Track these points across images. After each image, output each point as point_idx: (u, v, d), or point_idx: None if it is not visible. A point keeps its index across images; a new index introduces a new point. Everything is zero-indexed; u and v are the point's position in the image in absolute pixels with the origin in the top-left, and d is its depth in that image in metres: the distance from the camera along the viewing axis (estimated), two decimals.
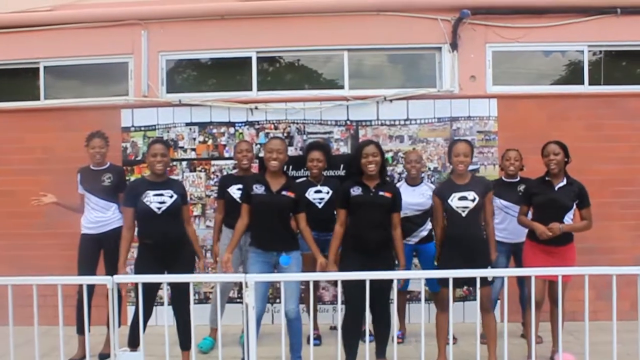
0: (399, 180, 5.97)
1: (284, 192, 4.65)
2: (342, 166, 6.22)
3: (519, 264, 5.27)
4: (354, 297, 4.36)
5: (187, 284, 4.07)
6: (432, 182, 5.95)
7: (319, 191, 5.49)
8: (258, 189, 4.64)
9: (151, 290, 4.43)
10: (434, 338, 4.81)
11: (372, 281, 3.95)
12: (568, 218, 4.81)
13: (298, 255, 4.75)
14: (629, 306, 5.01)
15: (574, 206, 4.84)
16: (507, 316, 3.87)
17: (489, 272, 4.38)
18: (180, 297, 4.41)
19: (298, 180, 5.75)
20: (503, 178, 5.56)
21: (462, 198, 4.62)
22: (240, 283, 3.83)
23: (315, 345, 4.06)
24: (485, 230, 4.78)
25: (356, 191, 4.69)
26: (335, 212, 4.89)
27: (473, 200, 4.59)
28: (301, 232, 4.77)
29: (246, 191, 4.69)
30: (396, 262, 5.14)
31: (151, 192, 4.53)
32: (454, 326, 4.40)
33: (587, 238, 5.11)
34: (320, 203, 5.44)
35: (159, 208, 4.50)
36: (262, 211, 4.61)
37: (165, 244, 4.52)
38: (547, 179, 4.89)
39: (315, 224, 5.12)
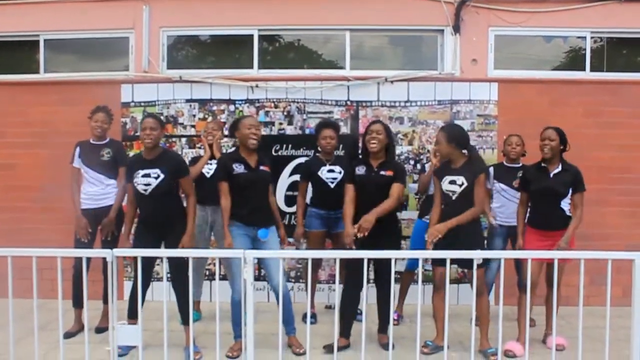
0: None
1: (261, 167, 4.77)
2: (341, 146, 6.20)
3: (514, 247, 5.31)
4: (354, 271, 4.45)
5: (182, 260, 4.13)
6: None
7: (331, 170, 5.49)
8: (238, 168, 4.69)
9: (148, 265, 4.48)
10: (430, 319, 4.87)
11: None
12: (565, 203, 4.83)
13: (274, 229, 4.85)
14: (621, 292, 5.09)
15: (570, 192, 4.85)
16: (502, 299, 3.90)
17: (486, 254, 4.40)
18: (176, 272, 4.47)
19: (307, 159, 5.80)
20: (504, 162, 5.57)
21: (451, 182, 4.66)
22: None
23: (310, 323, 4.09)
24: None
25: (360, 170, 4.79)
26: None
27: (461, 186, 4.62)
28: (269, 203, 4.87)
29: (226, 171, 4.70)
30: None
31: (140, 172, 4.58)
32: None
33: (583, 224, 5.13)
34: (332, 183, 5.45)
35: (145, 190, 4.57)
36: (245, 188, 4.68)
37: (156, 222, 4.61)
38: (542, 165, 4.90)
39: (325, 203, 5.20)
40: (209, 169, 5.43)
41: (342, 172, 5.43)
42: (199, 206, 5.39)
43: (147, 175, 4.56)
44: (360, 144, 5.18)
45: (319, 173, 5.45)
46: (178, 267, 4.41)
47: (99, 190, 5.26)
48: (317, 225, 5.50)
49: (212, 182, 5.14)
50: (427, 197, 5.56)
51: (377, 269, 4.80)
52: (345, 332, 4.75)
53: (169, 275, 4.60)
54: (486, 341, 4.66)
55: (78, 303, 5.17)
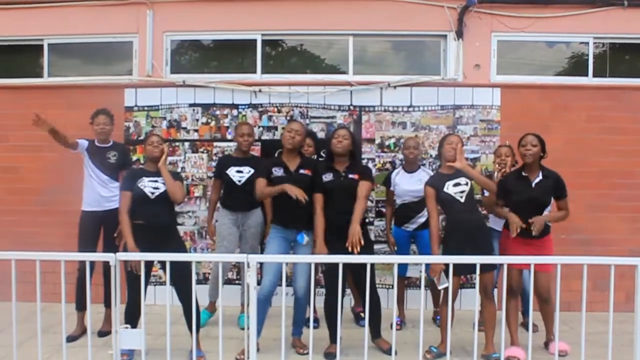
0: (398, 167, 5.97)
1: (301, 171, 4.80)
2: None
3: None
4: (331, 277, 4.54)
5: (183, 266, 4.15)
6: (432, 170, 5.95)
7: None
8: (277, 172, 4.79)
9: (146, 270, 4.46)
10: (432, 324, 4.87)
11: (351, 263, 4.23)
12: (546, 211, 4.82)
13: (312, 233, 4.85)
14: (624, 297, 5.09)
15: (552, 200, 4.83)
16: (505, 304, 3.90)
17: (490, 259, 4.38)
18: (179, 279, 4.42)
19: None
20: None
21: (456, 184, 4.69)
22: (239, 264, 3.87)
23: (314, 328, 4.12)
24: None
25: (327, 177, 4.86)
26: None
27: (467, 184, 4.68)
28: (315, 214, 4.78)
29: (267, 175, 4.82)
30: (394, 248, 5.22)
31: (146, 179, 4.68)
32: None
33: (584, 229, 5.14)
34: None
35: (152, 193, 4.63)
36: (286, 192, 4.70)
37: (156, 226, 4.62)
38: (523, 174, 4.82)
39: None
40: (240, 177, 5.42)
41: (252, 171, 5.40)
42: (229, 212, 5.43)
43: (155, 181, 4.68)
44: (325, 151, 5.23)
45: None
46: (180, 274, 4.33)
47: (106, 192, 5.30)
48: None
49: (242, 189, 5.26)
50: (401, 205, 5.62)
51: (354, 274, 4.80)
52: (333, 338, 4.75)
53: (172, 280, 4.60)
54: (491, 346, 4.66)
55: (80, 306, 5.19)
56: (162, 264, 4.69)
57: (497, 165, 5.29)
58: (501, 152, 5.41)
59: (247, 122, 6.14)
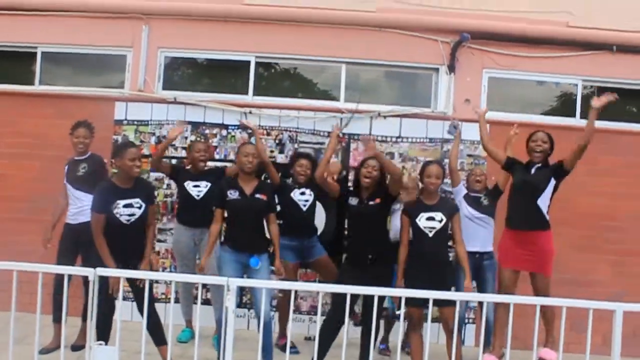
0: None
1: (257, 195, 4.85)
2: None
3: (480, 283, 5.35)
4: (337, 304, 4.56)
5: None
6: None
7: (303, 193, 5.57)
8: (232, 195, 4.82)
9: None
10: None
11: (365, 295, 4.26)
12: (542, 202, 4.87)
13: (266, 257, 4.91)
14: (601, 340, 5.08)
15: (551, 189, 4.89)
16: (482, 343, 3.89)
17: (441, 295, 4.21)
18: (139, 296, 4.32)
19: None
20: (468, 192, 5.52)
21: (429, 218, 4.72)
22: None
23: (293, 353, 4.10)
24: (456, 250, 4.89)
25: (352, 201, 4.95)
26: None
27: (440, 222, 4.70)
28: (270, 232, 4.95)
29: (221, 196, 4.84)
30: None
31: (121, 203, 4.45)
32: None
33: (568, 269, 5.17)
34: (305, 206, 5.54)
35: (128, 220, 4.47)
36: (238, 215, 4.81)
37: (129, 250, 4.50)
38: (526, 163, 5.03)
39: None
40: (199, 192, 5.45)
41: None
42: (187, 227, 5.42)
43: (130, 205, 4.47)
44: (352, 176, 5.23)
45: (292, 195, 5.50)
46: (140, 290, 4.29)
47: (77, 207, 5.27)
48: (291, 258, 5.48)
49: (200, 203, 5.20)
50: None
51: (364, 303, 4.82)
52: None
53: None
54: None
55: (58, 318, 5.10)
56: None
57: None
58: (476, 172, 5.59)
59: (202, 141, 6.14)
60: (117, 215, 4.43)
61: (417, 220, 4.73)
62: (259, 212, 4.84)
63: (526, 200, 4.85)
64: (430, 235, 4.68)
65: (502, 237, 5.08)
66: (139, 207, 4.50)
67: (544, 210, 4.89)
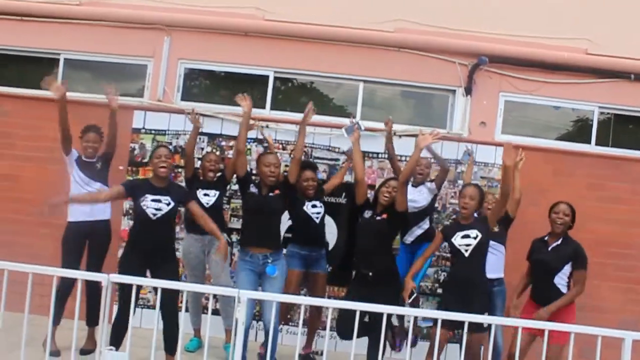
0: None
1: (270, 194, 5.00)
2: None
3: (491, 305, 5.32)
4: (344, 320, 4.64)
5: (175, 291, 4.15)
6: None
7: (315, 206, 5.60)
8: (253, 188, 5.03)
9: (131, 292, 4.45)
10: None
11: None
12: (559, 279, 4.83)
13: (283, 264, 4.99)
14: None
15: (568, 267, 4.83)
16: None
17: (478, 318, 4.22)
18: (168, 303, 4.40)
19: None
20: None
21: (464, 236, 4.70)
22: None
23: None
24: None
25: (367, 214, 5.10)
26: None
27: (475, 238, 4.66)
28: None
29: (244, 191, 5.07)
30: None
31: (150, 197, 4.59)
32: None
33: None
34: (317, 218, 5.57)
35: (154, 214, 4.57)
36: (256, 212, 4.97)
37: (154, 248, 4.60)
38: (545, 238, 4.95)
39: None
40: (208, 200, 5.53)
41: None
42: (196, 235, 5.46)
43: (158, 201, 4.60)
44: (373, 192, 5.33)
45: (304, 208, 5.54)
46: (170, 298, 4.37)
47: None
48: (297, 265, 5.51)
49: (209, 212, 5.24)
50: None
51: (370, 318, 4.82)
52: None
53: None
54: None
55: (57, 320, 5.08)
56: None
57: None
58: (488, 199, 5.47)
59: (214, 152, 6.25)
60: (144, 207, 4.55)
61: (452, 240, 4.73)
62: (277, 211, 5.05)
63: (543, 278, 4.83)
64: (466, 254, 4.65)
65: (527, 301, 5.04)
66: (167, 204, 4.62)
67: (563, 285, 4.85)
